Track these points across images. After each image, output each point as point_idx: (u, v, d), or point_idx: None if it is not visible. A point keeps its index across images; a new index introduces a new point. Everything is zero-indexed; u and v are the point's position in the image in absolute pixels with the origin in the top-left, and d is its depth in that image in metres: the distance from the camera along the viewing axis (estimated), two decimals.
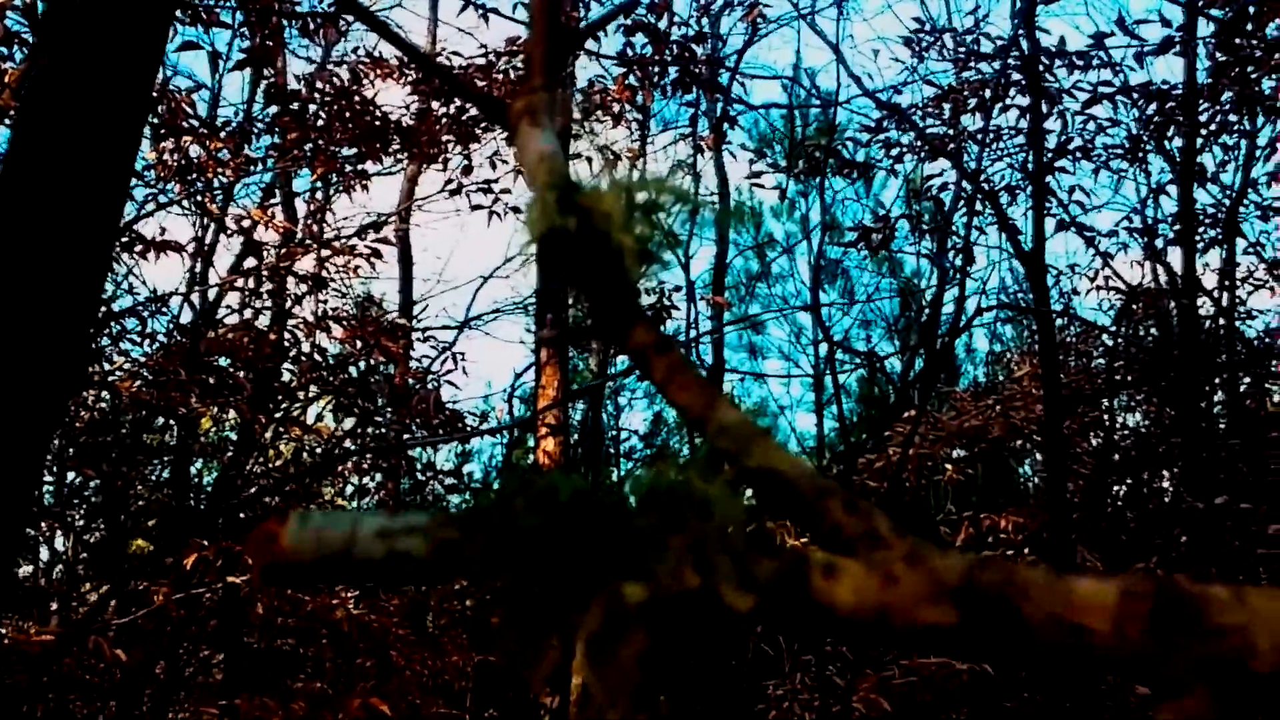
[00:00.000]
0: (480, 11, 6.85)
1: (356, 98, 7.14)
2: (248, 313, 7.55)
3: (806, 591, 0.29)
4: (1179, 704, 0.27)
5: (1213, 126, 6.86)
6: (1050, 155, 6.57)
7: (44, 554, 8.97)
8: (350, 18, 7.18)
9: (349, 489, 8.94)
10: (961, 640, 0.29)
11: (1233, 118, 6.82)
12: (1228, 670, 0.27)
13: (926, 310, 10.38)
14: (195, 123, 6.86)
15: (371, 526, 0.31)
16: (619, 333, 0.36)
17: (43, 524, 7.75)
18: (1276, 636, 0.27)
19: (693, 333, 9.05)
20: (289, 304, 7.57)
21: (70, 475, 8.03)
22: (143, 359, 7.03)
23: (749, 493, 0.32)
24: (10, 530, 2.18)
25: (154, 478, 9.00)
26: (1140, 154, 7.13)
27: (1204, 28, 6.59)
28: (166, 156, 6.77)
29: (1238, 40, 6.01)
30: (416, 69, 7.28)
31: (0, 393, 2.07)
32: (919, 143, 7.04)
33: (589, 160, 7.97)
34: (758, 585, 0.29)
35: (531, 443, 9.31)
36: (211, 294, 7.81)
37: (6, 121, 6.20)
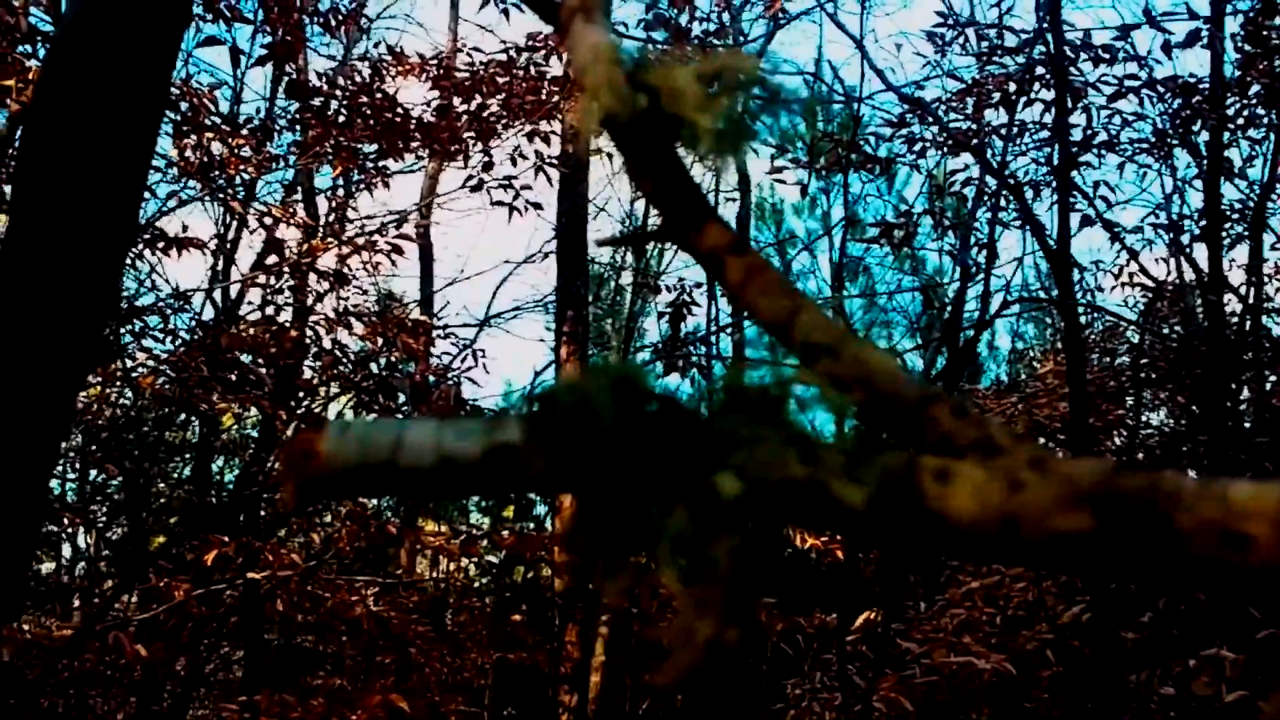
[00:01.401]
0: (500, 7, 6.84)
1: (378, 94, 7.14)
2: (269, 309, 7.56)
3: (919, 498, 0.26)
4: None
5: (1240, 120, 6.78)
6: (1075, 150, 6.51)
7: (66, 550, 9.02)
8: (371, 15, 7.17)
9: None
10: (1101, 551, 0.26)
11: (1261, 111, 6.74)
12: None
13: (949, 307, 10.32)
14: (217, 119, 6.87)
15: (421, 431, 0.28)
16: (689, 232, 0.33)
17: (65, 520, 7.78)
18: None
19: (713, 329, 9.02)
20: (310, 301, 7.58)
21: (93, 472, 8.07)
22: (165, 355, 7.05)
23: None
24: (25, 523, 2.17)
25: (176, 474, 9.03)
26: (1166, 148, 7.05)
27: (1232, 21, 6.52)
28: (189, 153, 6.79)
29: (1265, 32, 5.94)
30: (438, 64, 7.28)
31: (15, 388, 2.06)
32: (942, 137, 6.99)
33: (609, 156, 7.95)
34: (867, 483, 0.26)
35: None
36: (233, 290, 7.83)
37: None
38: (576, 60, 0.36)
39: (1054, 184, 6.53)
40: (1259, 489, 0.26)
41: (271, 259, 7.60)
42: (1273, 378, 7.71)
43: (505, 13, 7.19)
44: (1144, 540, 0.26)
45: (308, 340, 7.49)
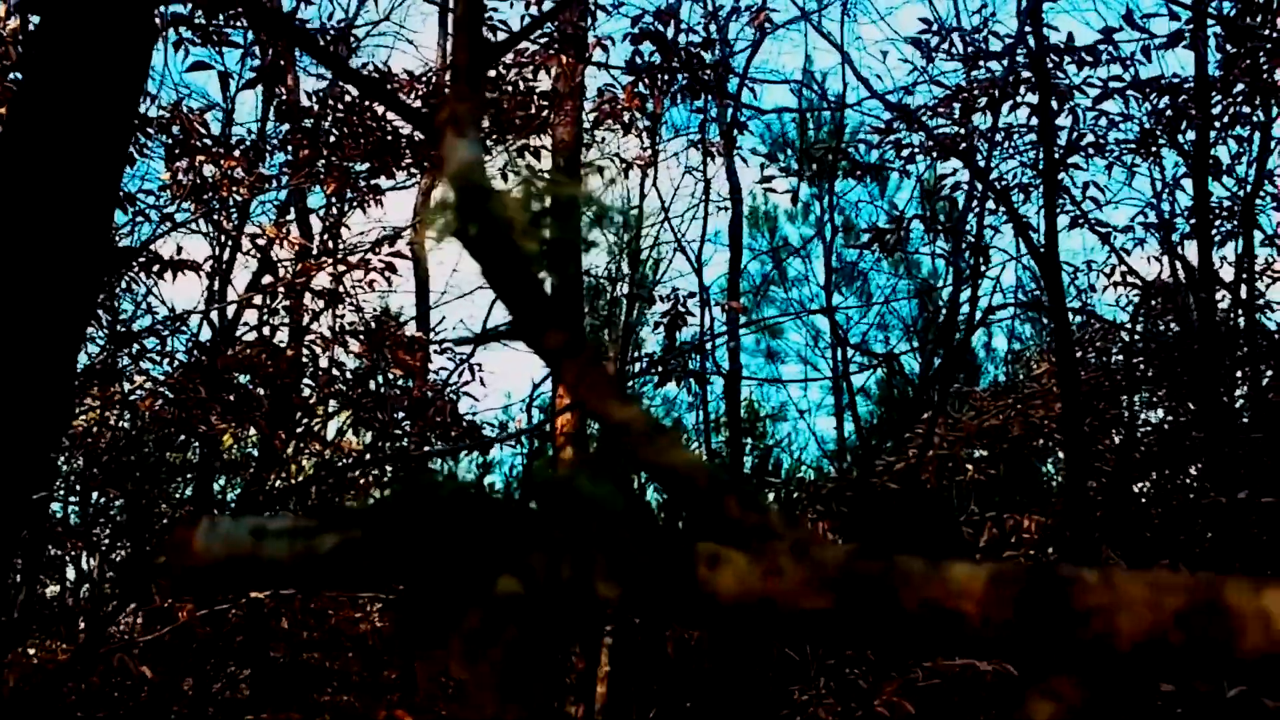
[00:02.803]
0: (488, 25, 6.88)
1: (368, 114, 7.18)
2: (265, 329, 7.60)
3: (693, 581, 0.30)
4: (1047, 684, 0.27)
5: (1225, 119, 6.82)
6: (1062, 152, 6.55)
7: (70, 574, 9.04)
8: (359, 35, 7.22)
9: (370, 502, 8.98)
10: (840, 625, 0.29)
11: (1245, 109, 6.78)
12: (1093, 651, 0.28)
13: (943, 310, 10.35)
14: (209, 142, 6.92)
15: (279, 526, 0.32)
16: (535, 333, 0.37)
17: (68, 544, 7.82)
18: (1137, 617, 0.27)
19: (708, 338, 9.05)
20: (306, 320, 7.62)
21: (94, 495, 8.09)
22: (163, 378, 7.08)
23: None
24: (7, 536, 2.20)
25: (177, 495, 9.06)
26: (1153, 148, 7.10)
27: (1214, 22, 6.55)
28: (181, 176, 6.83)
29: (1247, 30, 5.98)
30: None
31: None
32: (930, 143, 7.03)
33: (599, 170, 7.99)
34: (636, 576, 0.29)
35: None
36: (230, 312, 7.86)
37: None
38: (446, 170, 0.40)
39: (1042, 186, 6.57)
40: (973, 570, 0.29)
41: (266, 279, 7.65)
42: (1268, 373, 7.74)
43: (494, 30, 7.24)
44: (875, 616, 0.29)
45: (304, 359, 7.53)
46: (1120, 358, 8.28)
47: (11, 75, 6.03)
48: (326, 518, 0.32)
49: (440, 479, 0.30)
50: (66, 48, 2.22)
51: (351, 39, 7.79)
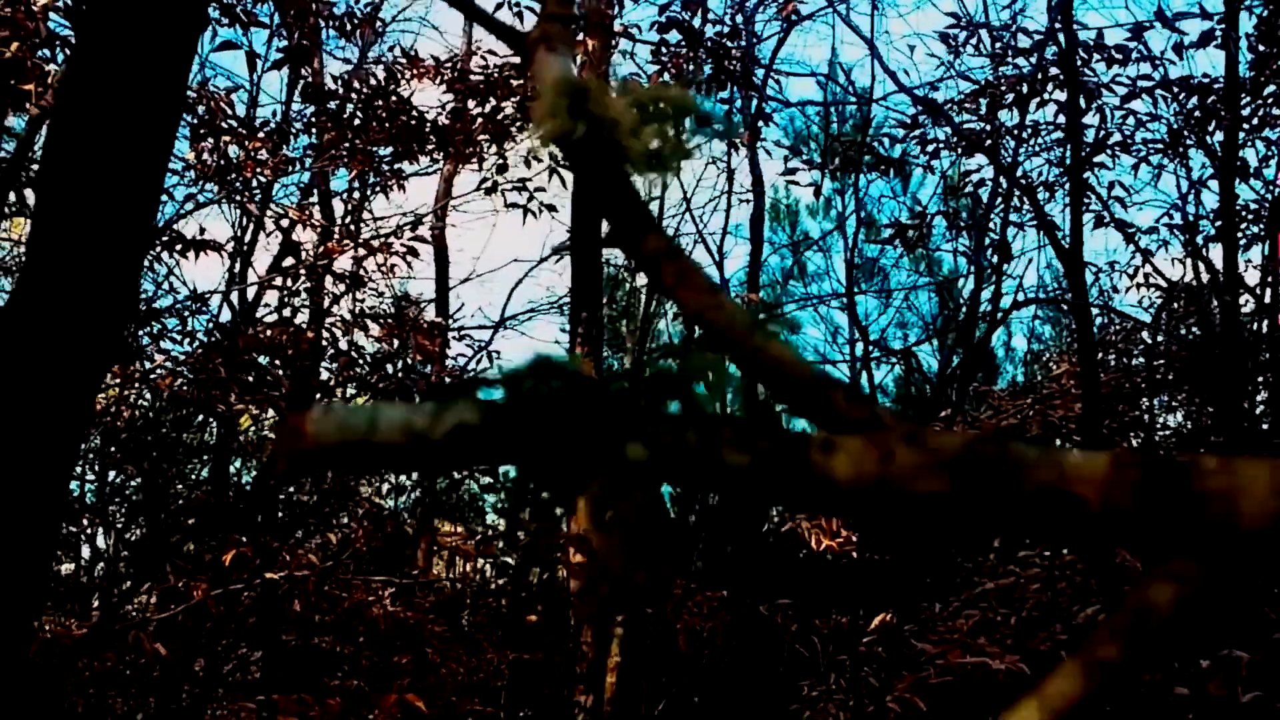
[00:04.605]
0: (515, 9, 6.89)
1: (393, 97, 7.19)
2: (286, 311, 7.63)
3: (806, 463, 0.30)
4: (1168, 566, 0.28)
5: (1255, 120, 6.78)
6: (1089, 150, 6.52)
7: (85, 551, 9.09)
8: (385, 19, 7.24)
9: (385, 486, 9.01)
10: (956, 507, 0.30)
11: (1275, 111, 6.73)
12: (1214, 532, 0.28)
13: (964, 308, 10.32)
14: (234, 123, 6.94)
15: (393, 413, 0.32)
16: (633, 239, 0.37)
17: (84, 521, 7.86)
18: (1260, 498, 0.28)
19: None
20: (327, 302, 7.64)
21: (111, 473, 8.15)
22: (183, 357, 7.11)
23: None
24: (48, 521, 2.23)
25: (194, 475, 9.10)
26: (1180, 149, 7.05)
27: (1246, 21, 6.51)
28: (206, 156, 6.86)
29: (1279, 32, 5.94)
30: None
31: (38, 388, 2.11)
32: (956, 138, 7.01)
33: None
34: (757, 451, 0.30)
35: None
36: (250, 293, 7.90)
37: (50, 122, 6.30)
38: (539, 86, 0.40)
39: (1068, 184, 6.54)
40: (1091, 456, 0.30)
41: (288, 261, 7.68)
42: None
43: (520, 14, 7.24)
44: (993, 499, 0.30)
45: (324, 342, 7.55)
46: (1141, 359, 8.24)
47: (40, 52, 6.06)
48: (443, 403, 0.33)
49: (559, 361, 0.31)
50: (119, 31, 2.23)
51: (378, 23, 7.80)
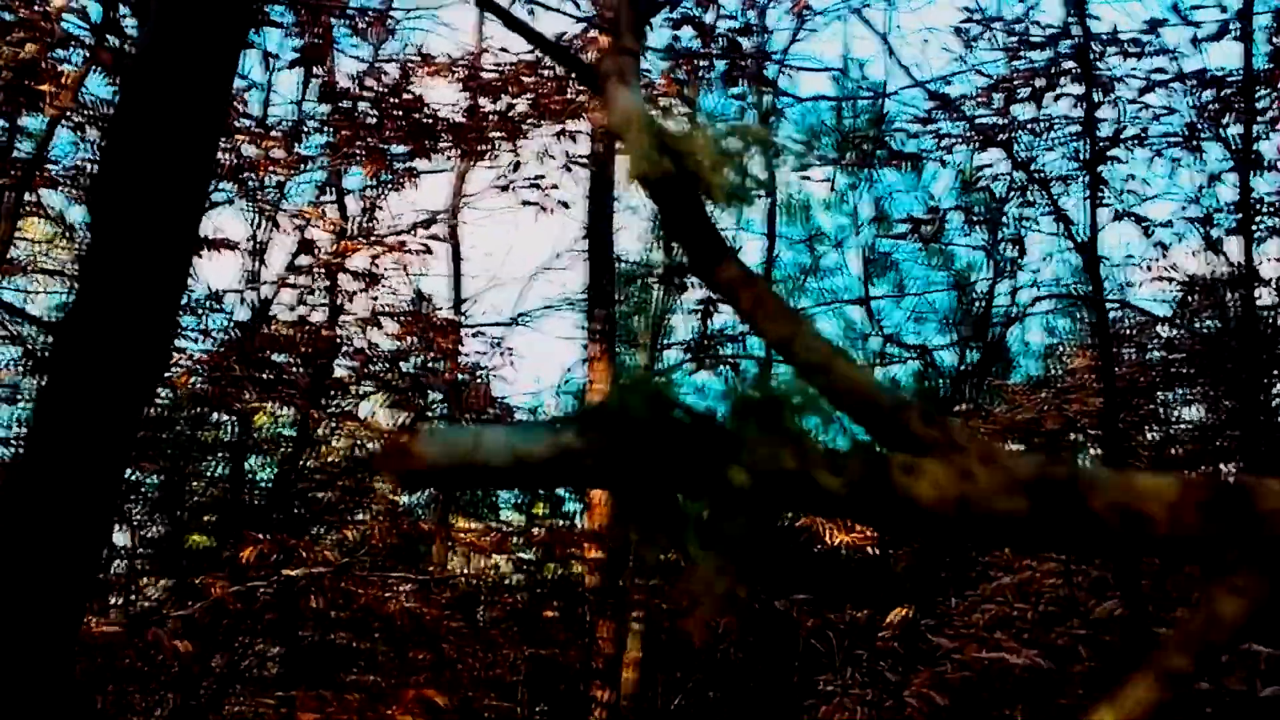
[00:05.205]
0: (527, 7, 6.90)
1: (406, 95, 7.22)
2: (302, 309, 7.66)
3: (890, 486, 0.32)
4: (1232, 580, 0.29)
5: (1271, 113, 6.75)
6: (1104, 144, 6.50)
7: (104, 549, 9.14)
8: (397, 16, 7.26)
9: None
10: (1034, 528, 0.32)
11: None
12: (1275, 549, 0.30)
13: (980, 303, 10.30)
14: (249, 122, 6.97)
15: (496, 434, 0.34)
16: (709, 268, 0.39)
17: None
18: None
19: (741, 327, 9.05)
20: (342, 300, 7.67)
21: (130, 471, 8.19)
22: (200, 355, 7.14)
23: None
24: (103, 521, 2.27)
25: (211, 473, 9.14)
26: (1197, 142, 7.02)
27: (1262, 13, 6.48)
28: (221, 155, 6.89)
29: None
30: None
31: (102, 394, 2.15)
32: (970, 132, 6.99)
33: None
34: (847, 474, 0.32)
35: None
36: (266, 291, 7.93)
37: (65, 123, 6.33)
38: (612, 120, 0.42)
39: (1083, 178, 6.52)
40: (1159, 478, 0.31)
41: (304, 259, 7.71)
42: None
43: (531, 11, 7.25)
44: (1066, 518, 0.31)
45: (340, 340, 7.57)
46: (1159, 353, 8.22)
47: (55, 52, 6.09)
48: (543, 426, 0.34)
49: (660, 386, 0.32)
50: (173, 50, 2.27)
51: (391, 21, 7.83)
